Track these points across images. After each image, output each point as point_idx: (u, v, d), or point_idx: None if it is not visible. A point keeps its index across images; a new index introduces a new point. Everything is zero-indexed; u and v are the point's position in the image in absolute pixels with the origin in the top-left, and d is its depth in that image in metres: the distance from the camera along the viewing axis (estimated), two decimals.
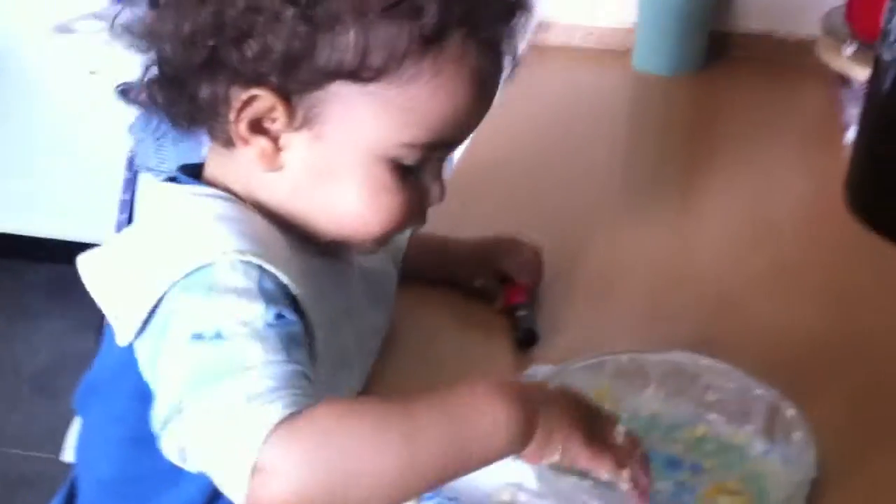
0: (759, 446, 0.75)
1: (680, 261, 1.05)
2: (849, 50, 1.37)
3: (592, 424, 0.67)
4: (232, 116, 0.69)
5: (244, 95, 0.68)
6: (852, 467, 0.74)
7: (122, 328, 0.67)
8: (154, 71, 0.72)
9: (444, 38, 0.67)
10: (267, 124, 0.69)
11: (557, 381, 0.78)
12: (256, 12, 0.66)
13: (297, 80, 0.67)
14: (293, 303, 0.66)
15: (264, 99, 0.68)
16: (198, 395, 0.61)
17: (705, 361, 0.79)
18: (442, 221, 1.05)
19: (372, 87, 0.67)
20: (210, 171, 0.75)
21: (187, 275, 0.64)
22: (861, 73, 1.29)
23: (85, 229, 2.64)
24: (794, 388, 0.78)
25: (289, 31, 0.65)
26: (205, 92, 0.70)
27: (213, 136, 0.73)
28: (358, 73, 0.66)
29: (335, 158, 0.70)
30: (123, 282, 0.69)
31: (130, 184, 2.26)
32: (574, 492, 0.68)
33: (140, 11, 0.73)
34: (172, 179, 0.75)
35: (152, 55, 0.71)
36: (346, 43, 0.66)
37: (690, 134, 1.39)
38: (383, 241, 0.76)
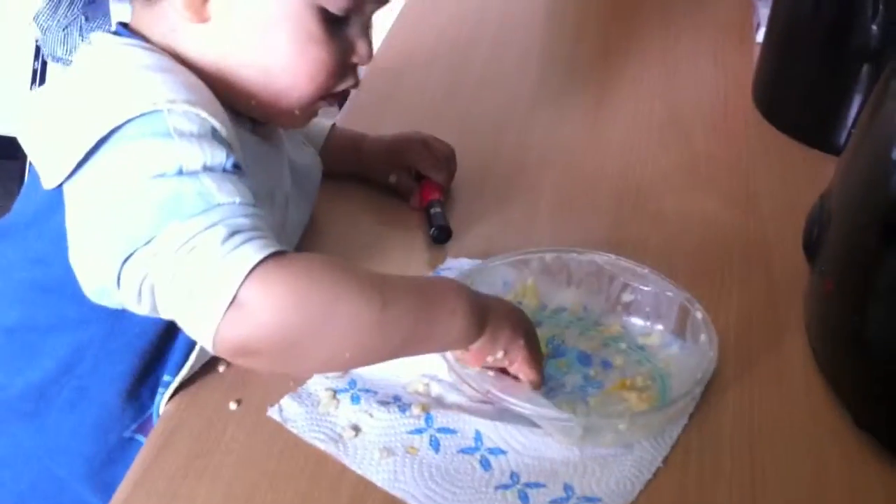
0: (667, 346, 0.78)
1: (592, 157, 1.07)
2: None
3: (530, 336, 0.71)
4: None
5: None
6: (746, 365, 0.78)
7: (50, 171, 0.66)
8: None
9: None
10: None
11: (482, 273, 0.80)
12: None
13: None
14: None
15: None
16: (169, 228, 0.60)
17: (625, 263, 0.81)
18: (358, 118, 1.05)
19: None
20: (135, 27, 0.74)
21: (130, 120, 0.63)
22: None
23: None
24: (697, 285, 0.81)
25: None
26: None
27: None
28: None
29: (263, 8, 0.71)
30: (55, 126, 0.68)
31: (38, 74, 2.20)
32: (479, 381, 0.71)
33: None
34: (115, 34, 0.73)
35: None
36: None
37: (605, 30, 1.39)
38: (311, 105, 0.76)
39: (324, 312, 0.61)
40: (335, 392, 0.73)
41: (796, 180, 1.03)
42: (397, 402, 0.72)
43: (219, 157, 0.63)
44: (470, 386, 0.72)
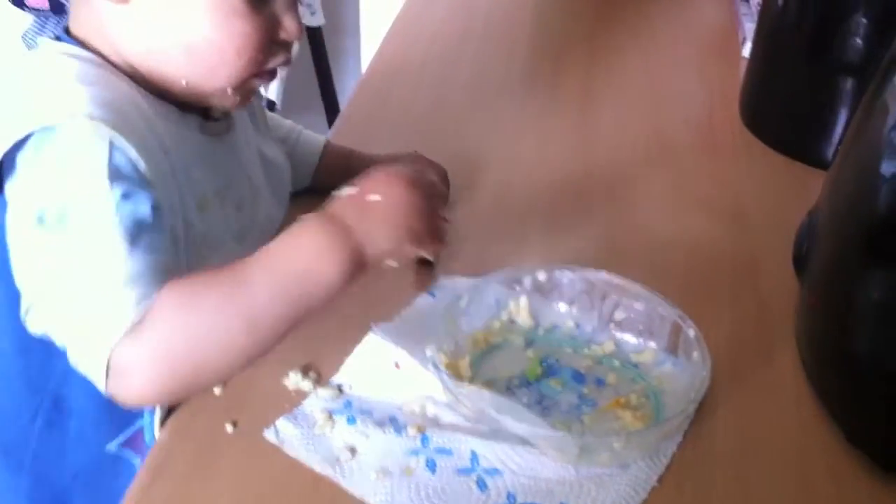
0: (660, 363, 0.78)
1: (580, 175, 1.07)
2: None
3: (419, 215, 0.70)
4: None
5: None
6: (738, 381, 0.78)
7: None
8: None
9: None
10: None
11: (475, 292, 0.81)
12: None
13: None
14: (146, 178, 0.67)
15: None
16: (50, 291, 0.65)
17: (617, 280, 0.81)
18: (348, 135, 1.06)
19: None
20: (74, 29, 0.75)
21: (31, 134, 0.65)
22: None
23: None
24: (688, 301, 0.81)
25: None
26: None
27: None
28: None
29: None
30: None
31: None
32: (475, 400, 0.71)
33: None
34: (58, 39, 0.74)
35: None
36: None
37: (590, 44, 1.39)
38: (243, 83, 0.76)
39: (194, 358, 0.64)
40: (331, 413, 0.73)
41: (785, 195, 1.04)
42: (393, 422, 0.72)
43: (104, 190, 0.65)
44: (465, 406, 0.72)
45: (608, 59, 1.35)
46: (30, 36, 1.97)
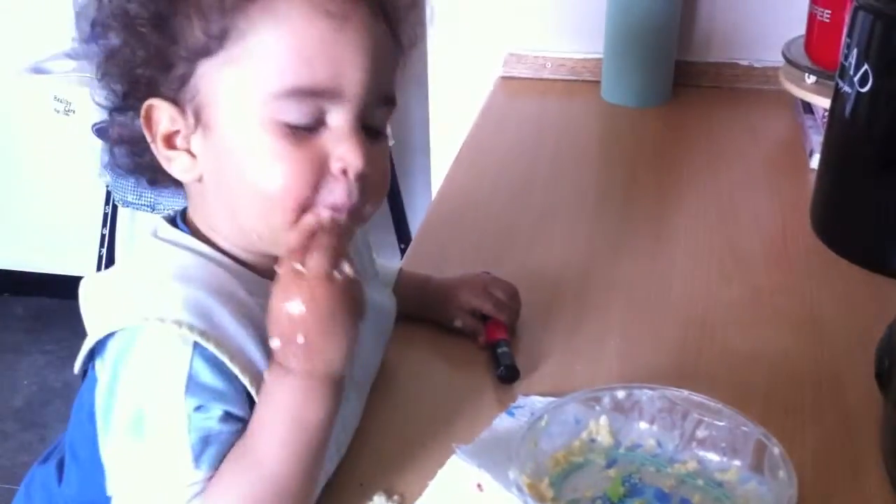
0: (745, 482, 0.77)
1: (654, 292, 1.08)
2: (810, 79, 1.42)
3: (340, 302, 0.68)
4: (149, 139, 0.73)
5: (143, 111, 0.71)
6: (824, 500, 0.78)
7: (78, 359, 0.72)
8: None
9: None
10: (177, 140, 0.73)
11: (554, 412, 0.81)
12: (126, 39, 0.71)
13: (171, 77, 0.71)
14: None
15: (159, 108, 0.72)
16: (125, 489, 0.70)
17: (697, 398, 0.81)
18: (422, 261, 1.08)
19: (223, 55, 0.69)
20: (191, 213, 0.78)
21: (122, 330, 0.68)
22: (823, 102, 1.34)
23: (65, 263, 2.67)
24: (770, 418, 0.81)
25: (146, 38, 0.70)
26: (126, 127, 0.75)
27: (164, 179, 0.76)
28: (208, 47, 0.69)
29: (227, 142, 0.71)
30: (88, 313, 0.73)
31: (109, 218, 2.28)
32: None
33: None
34: (172, 220, 0.77)
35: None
36: (189, 25, 0.69)
37: (660, 163, 1.42)
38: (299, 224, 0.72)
39: None
40: None
41: (863, 307, 1.04)
42: None
43: (179, 402, 0.68)
44: None
45: (678, 176, 1.37)
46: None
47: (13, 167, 2.65)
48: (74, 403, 0.80)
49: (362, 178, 0.71)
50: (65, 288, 2.65)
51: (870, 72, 1.06)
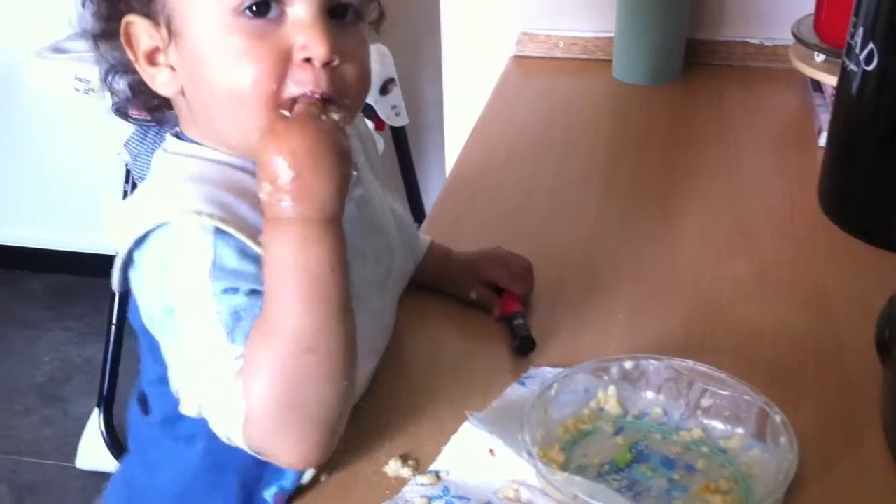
0: (749, 448, 0.80)
1: (662, 265, 1.11)
2: (819, 58, 1.43)
3: (324, 139, 0.68)
4: (133, 59, 0.75)
5: (122, 29, 0.74)
6: (826, 466, 0.80)
7: (113, 276, 0.75)
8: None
9: None
10: (159, 57, 0.75)
11: (563, 382, 0.84)
12: None
13: None
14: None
15: (136, 23, 0.74)
16: (181, 385, 0.73)
17: (702, 368, 0.84)
18: (437, 234, 1.11)
19: None
20: (186, 130, 0.79)
21: (147, 232, 0.71)
22: (831, 80, 1.36)
23: (84, 241, 2.71)
24: (774, 388, 0.83)
25: None
26: (116, 52, 0.77)
27: (156, 100, 0.79)
28: None
29: (194, 48, 0.72)
30: (114, 234, 0.75)
31: (128, 196, 2.31)
32: (566, 486, 0.74)
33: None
34: (178, 136, 0.79)
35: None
36: None
37: (670, 141, 1.44)
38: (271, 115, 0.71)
39: (301, 411, 0.69)
40: (430, 499, 0.76)
41: (866, 281, 1.06)
42: None
43: (206, 288, 0.70)
44: (558, 491, 0.75)
45: (688, 153, 1.39)
46: (133, 144, 2.10)
47: (33, 145, 2.68)
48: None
49: (331, 68, 0.71)
50: (84, 265, 2.72)
51: (875, 50, 1.08)
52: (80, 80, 1.96)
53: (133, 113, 1.66)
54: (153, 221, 0.71)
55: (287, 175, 0.66)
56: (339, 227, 0.69)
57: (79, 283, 2.75)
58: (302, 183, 0.66)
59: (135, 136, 2.09)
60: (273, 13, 0.70)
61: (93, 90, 2.00)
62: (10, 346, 2.57)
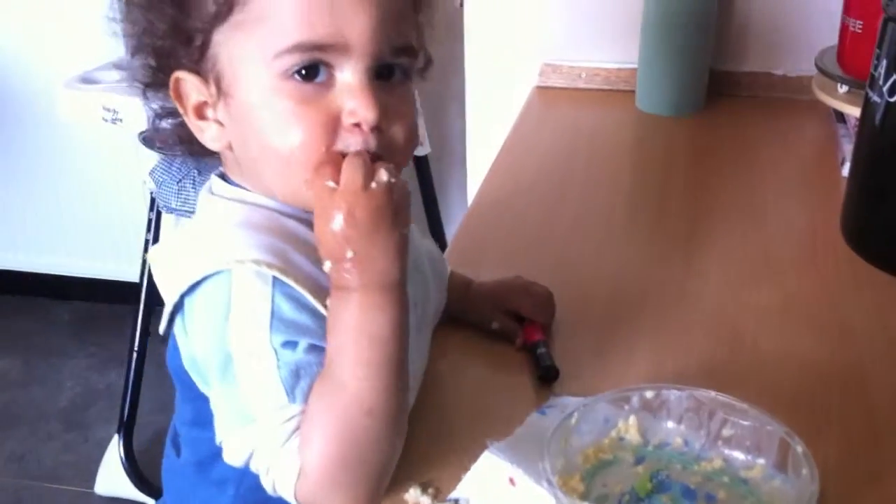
0: (770, 479, 0.80)
1: (685, 295, 1.10)
2: (842, 89, 1.43)
3: (376, 199, 0.69)
4: (182, 112, 0.76)
5: (171, 84, 0.74)
6: (848, 499, 0.79)
7: (162, 320, 0.76)
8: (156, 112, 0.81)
9: None
10: (207, 111, 0.76)
11: (584, 411, 0.84)
12: (147, 13, 0.74)
13: (191, 48, 0.73)
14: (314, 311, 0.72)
15: (185, 80, 0.74)
16: (229, 435, 0.73)
17: (723, 398, 0.83)
18: (459, 263, 1.11)
19: (232, 21, 0.71)
20: (232, 175, 0.81)
21: (205, 278, 0.71)
22: (854, 111, 1.35)
23: (109, 268, 2.73)
24: (796, 419, 0.82)
25: (164, 11, 0.73)
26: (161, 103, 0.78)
27: (202, 149, 0.79)
28: (219, 13, 0.71)
29: (243, 108, 0.73)
30: (163, 277, 0.77)
31: (153, 224, 2.33)
32: None
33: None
34: (223, 176, 0.80)
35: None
36: None
37: (693, 171, 1.43)
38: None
39: (357, 470, 0.71)
40: None
41: (890, 312, 1.05)
42: None
43: (265, 341, 0.70)
44: None
45: (711, 183, 1.39)
46: (158, 173, 2.11)
47: (60, 174, 2.71)
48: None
49: (379, 131, 0.72)
50: (108, 292, 2.74)
51: None
52: (107, 109, 1.99)
53: (159, 142, 1.68)
54: (209, 268, 0.71)
55: (346, 254, 0.68)
56: (401, 291, 0.71)
57: (102, 310, 2.77)
58: (362, 258, 0.68)
59: (160, 165, 2.11)
60: (321, 77, 0.72)
61: (120, 120, 2.03)
62: (35, 372, 2.59)
